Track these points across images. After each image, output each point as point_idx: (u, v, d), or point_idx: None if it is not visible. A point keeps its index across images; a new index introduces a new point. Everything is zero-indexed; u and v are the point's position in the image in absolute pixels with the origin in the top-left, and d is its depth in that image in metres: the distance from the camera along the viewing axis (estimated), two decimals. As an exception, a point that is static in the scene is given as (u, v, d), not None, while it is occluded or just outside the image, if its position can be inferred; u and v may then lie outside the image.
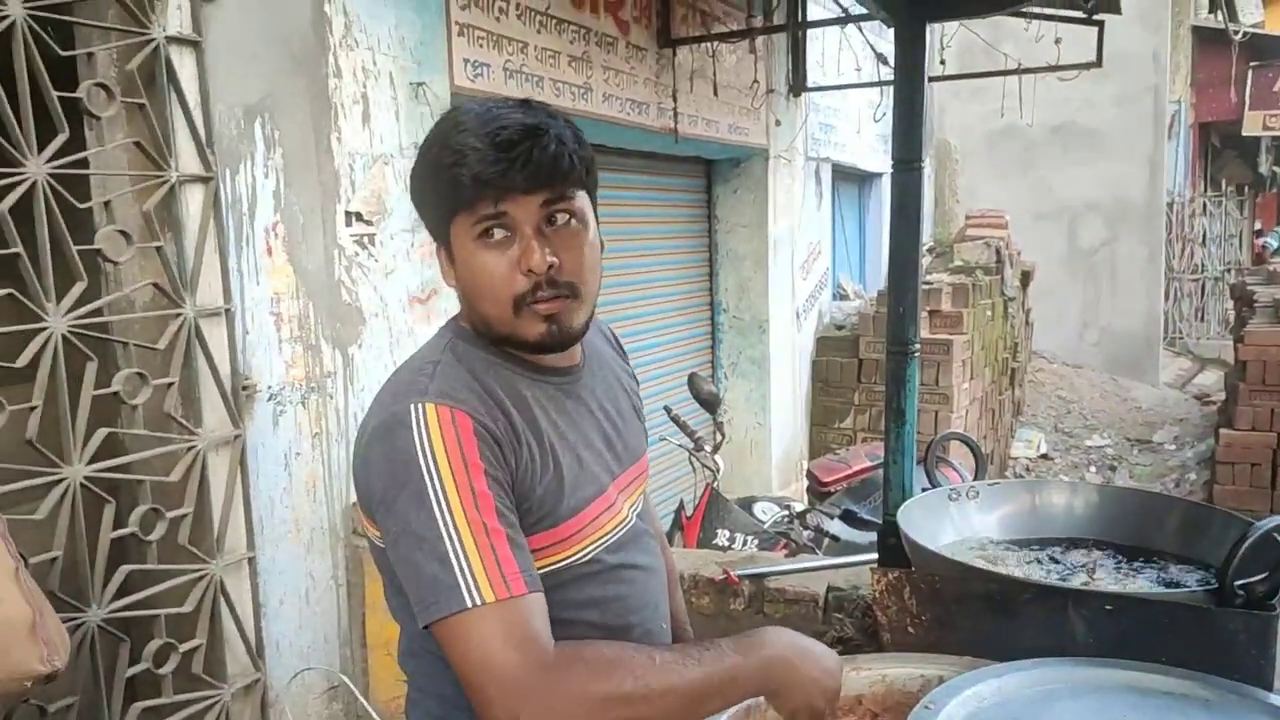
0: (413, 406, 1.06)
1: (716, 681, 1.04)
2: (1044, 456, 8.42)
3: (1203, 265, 12.42)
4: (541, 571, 1.09)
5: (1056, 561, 1.54)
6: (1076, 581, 1.44)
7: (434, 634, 1.02)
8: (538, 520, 1.11)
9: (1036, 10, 4.63)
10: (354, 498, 2.84)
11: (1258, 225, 14.48)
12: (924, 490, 1.84)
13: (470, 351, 1.15)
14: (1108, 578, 1.46)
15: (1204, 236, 12.41)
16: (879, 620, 1.47)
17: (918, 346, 1.82)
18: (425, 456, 1.03)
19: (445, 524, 1.01)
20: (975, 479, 1.82)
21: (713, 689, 1.03)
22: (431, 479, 1.02)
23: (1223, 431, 6.56)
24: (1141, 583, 1.45)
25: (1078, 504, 1.69)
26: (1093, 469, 8.12)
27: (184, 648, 2.39)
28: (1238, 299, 7.90)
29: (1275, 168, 15.18)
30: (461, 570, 1.00)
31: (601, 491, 1.20)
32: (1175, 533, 1.58)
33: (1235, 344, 6.81)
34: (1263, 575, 1.26)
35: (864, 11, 4.91)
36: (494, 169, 1.05)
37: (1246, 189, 14.39)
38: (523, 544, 1.06)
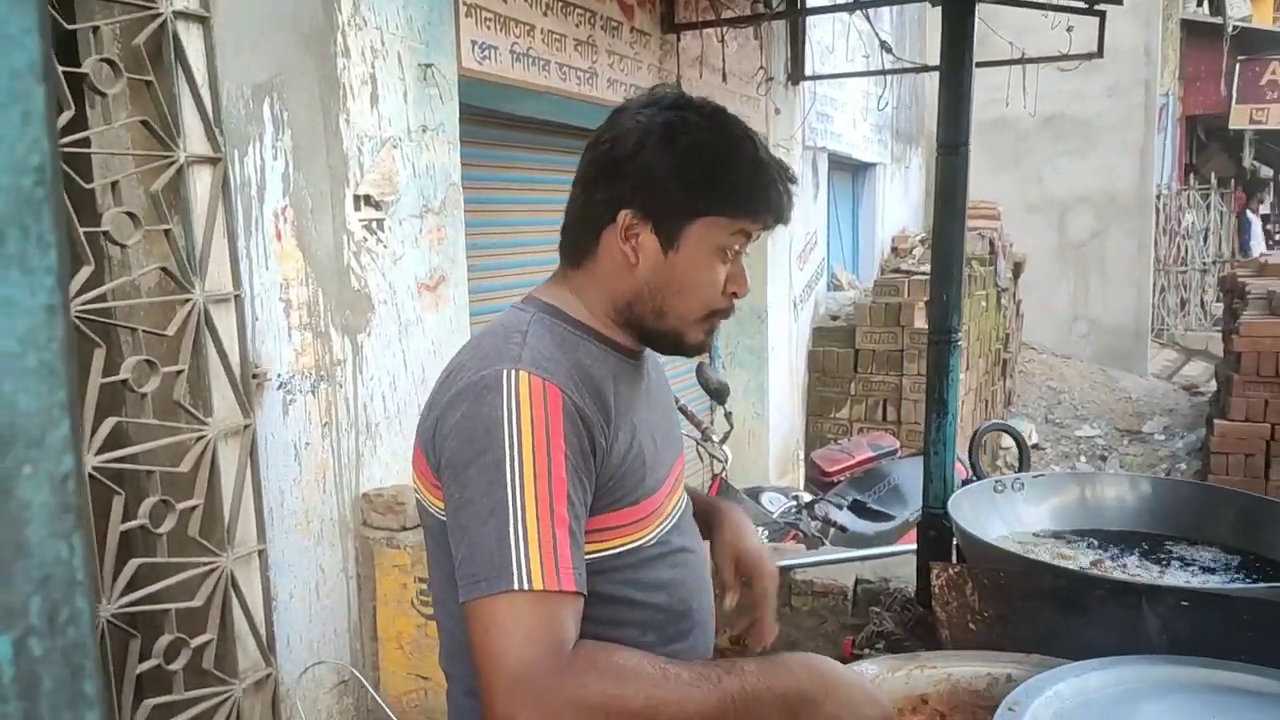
0: (506, 372, 1.02)
1: (731, 708, 0.97)
2: (1035, 446, 8.44)
3: (1188, 258, 12.50)
4: (619, 551, 1.10)
5: (1119, 555, 1.50)
6: (1148, 577, 1.40)
7: (466, 610, 0.98)
8: (621, 497, 1.09)
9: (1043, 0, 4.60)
10: (364, 489, 2.80)
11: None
12: (964, 482, 1.80)
13: (555, 325, 1.13)
14: (1179, 572, 1.42)
15: (1190, 229, 12.48)
16: (938, 616, 1.42)
17: (960, 336, 1.77)
18: (511, 426, 0.99)
19: (514, 500, 0.98)
20: (1020, 470, 1.78)
21: (718, 714, 0.97)
22: (511, 451, 0.99)
23: (1217, 422, 6.58)
24: (1211, 579, 1.42)
25: (1130, 496, 1.65)
26: (1083, 459, 8.16)
27: (195, 643, 2.32)
28: (1228, 291, 7.94)
29: (1256, 162, 15.29)
30: (517, 551, 0.96)
31: (669, 474, 1.21)
32: (1233, 525, 1.55)
33: (1230, 335, 6.83)
34: (1343, 570, 1.22)
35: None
36: (783, 211, 1.13)
37: (1232, 182, 14.49)
38: (581, 540, 1.03)
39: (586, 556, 1.04)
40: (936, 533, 1.79)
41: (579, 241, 1.17)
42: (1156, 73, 10.08)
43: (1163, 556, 1.51)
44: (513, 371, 1.02)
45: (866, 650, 1.74)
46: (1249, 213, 14.56)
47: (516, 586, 0.95)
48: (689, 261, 1.11)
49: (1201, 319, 12.54)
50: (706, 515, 1.40)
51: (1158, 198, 11.06)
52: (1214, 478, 6.52)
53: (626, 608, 1.12)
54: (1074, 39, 5.12)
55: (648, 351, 1.26)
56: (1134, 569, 1.44)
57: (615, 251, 1.13)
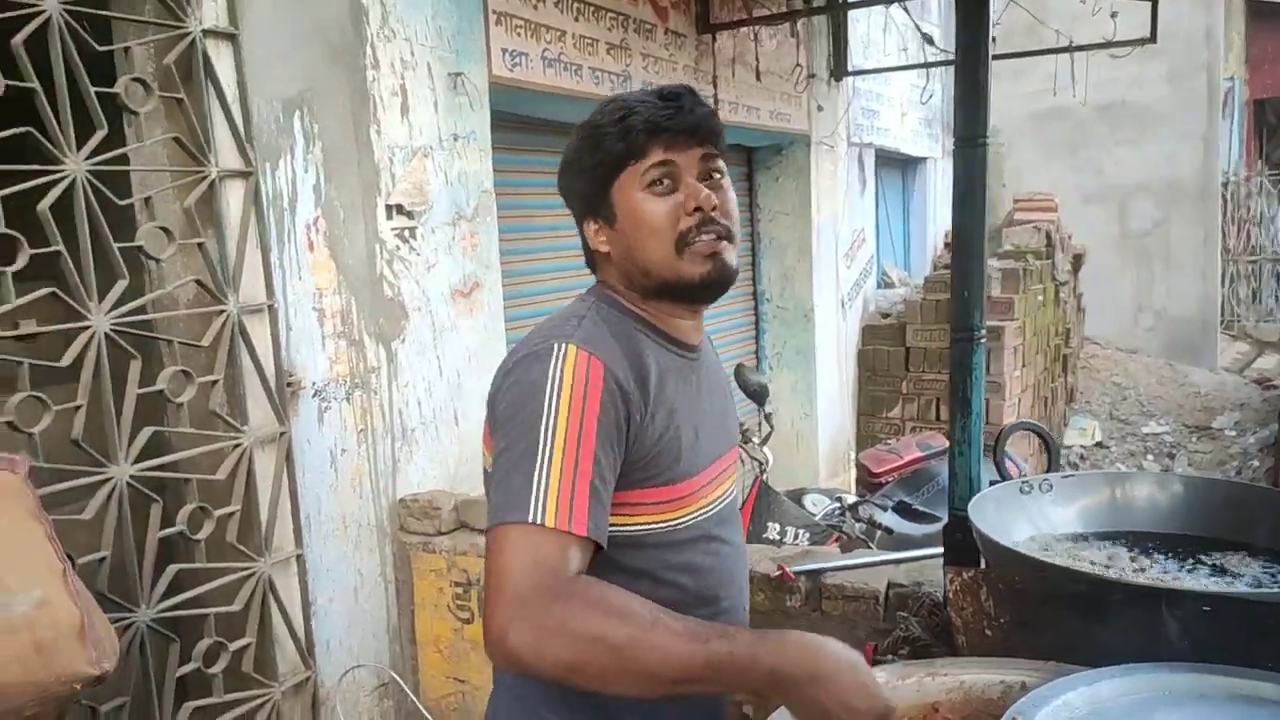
0: (556, 344, 1.14)
1: (712, 668, 1.00)
2: (1099, 444, 8.21)
3: (1260, 246, 12.05)
4: (649, 529, 1.19)
5: (1145, 557, 1.45)
6: (1174, 582, 1.35)
7: (486, 539, 1.08)
8: (654, 475, 1.17)
9: (1090, -16, 4.47)
10: (401, 494, 2.83)
11: None
12: (991, 483, 1.75)
13: (613, 314, 1.23)
14: (1203, 576, 1.36)
15: (1261, 217, 12.03)
16: (953, 622, 1.39)
17: (984, 332, 1.73)
18: (552, 389, 1.11)
19: (544, 448, 1.08)
20: (1049, 470, 1.73)
21: (701, 672, 1.00)
22: (549, 408, 1.10)
23: (1287, 417, 6.33)
24: (1240, 583, 1.36)
25: (1161, 496, 1.59)
26: (1150, 457, 7.91)
27: (234, 646, 2.37)
28: (1300, 280, 7.64)
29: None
30: (538, 489, 1.06)
31: (710, 463, 1.27)
32: (1271, 527, 1.48)
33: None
34: (1378, 573, 1.16)
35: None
36: (664, 114, 1.18)
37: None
38: (604, 499, 1.11)
39: (617, 529, 1.14)
40: (962, 535, 1.75)
41: (588, 258, 1.33)
42: (1219, 56, 9.74)
43: (1192, 560, 1.45)
44: (563, 344, 1.14)
45: (889, 656, 1.71)
46: None
47: (530, 519, 1.05)
48: (626, 218, 1.22)
49: (1275, 310, 12.07)
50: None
51: (1224, 185, 10.69)
52: (1285, 474, 6.28)
53: (650, 584, 1.17)
54: (1129, 24, 4.97)
55: (706, 351, 1.36)
56: (1157, 572, 1.38)
57: (601, 254, 1.28)
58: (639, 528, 1.19)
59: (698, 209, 1.19)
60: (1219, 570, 1.40)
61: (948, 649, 1.69)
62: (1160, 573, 1.38)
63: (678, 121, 1.18)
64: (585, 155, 1.24)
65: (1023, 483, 1.65)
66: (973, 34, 1.67)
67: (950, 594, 1.38)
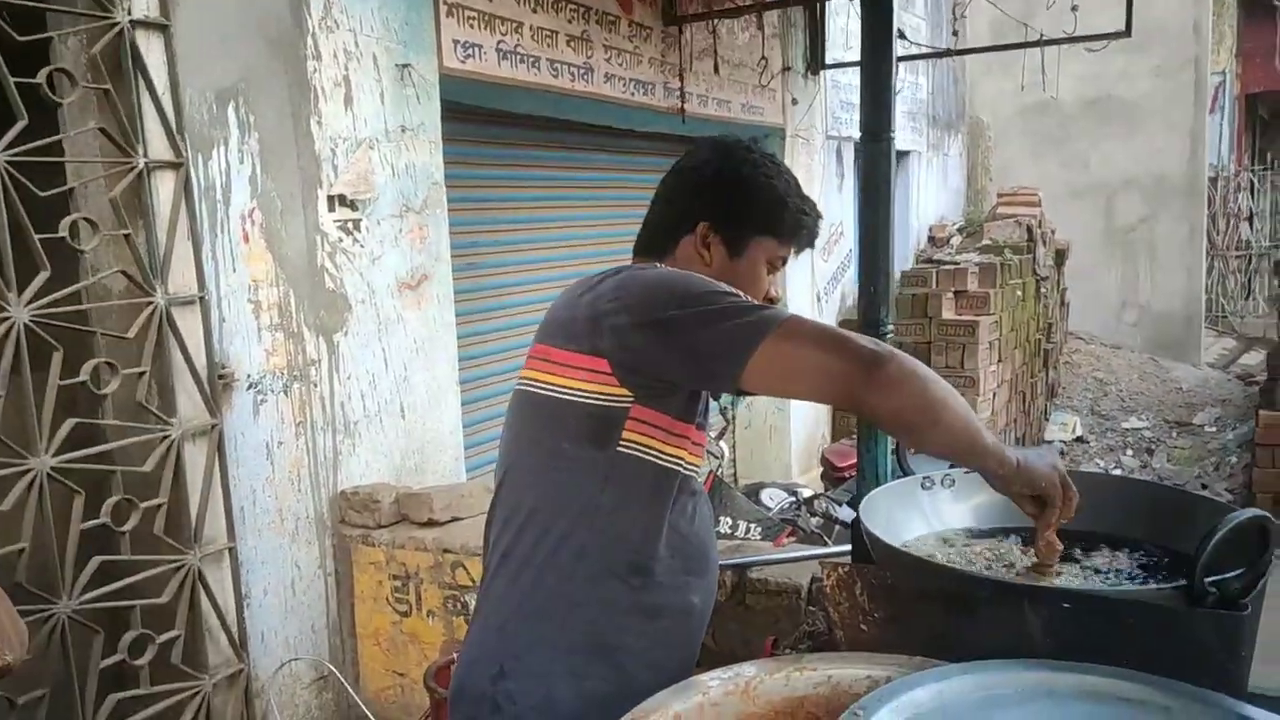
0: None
1: (985, 446, 1.23)
2: (1079, 439, 8.21)
3: (1249, 241, 12.02)
4: (680, 464, 1.34)
5: (1031, 555, 1.44)
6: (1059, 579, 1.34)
7: (765, 357, 1.18)
8: (699, 412, 1.35)
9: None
10: (341, 487, 2.82)
11: None
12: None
13: None
14: (1084, 573, 1.35)
15: (1249, 212, 12.00)
16: (830, 617, 1.38)
17: (890, 327, 1.72)
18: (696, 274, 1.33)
19: (734, 292, 1.26)
20: (952, 466, 1.72)
21: (981, 448, 1.23)
22: (708, 278, 1.30)
23: (1262, 413, 6.32)
24: (1113, 577, 1.35)
25: (1056, 492, 1.58)
26: (1129, 452, 7.90)
27: (161, 638, 2.37)
28: (1281, 276, 7.62)
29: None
30: (764, 307, 1.25)
31: (704, 431, 1.42)
32: (1158, 521, 1.47)
33: (1278, 322, 6.56)
34: (1237, 571, 1.15)
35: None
36: (813, 239, 1.48)
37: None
38: None
39: (662, 453, 1.31)
40: (868, 530, 1.74)
41: (658, 241, 1.45)
42: (1207, 50, 9.70)
43: (1079, 555, 1.44)
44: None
45: (788, 650, 1.70)
46: None
47: (790, 315, 1.22)
48: (748, 267, 1.42)
49: (1262, 306, 12.05)
50: None
51: (1213, 180, 10.66)
52: (1259, 471, 6.27)
53: (660, 517, 1.34)
54: (1111, 18, 4.94)
55: None
56: (1025, 569, 1.37)
57: (690, 252, 1.42)
58: (676, 460, 1.33)
59: (770, 298, 1.45)
60: (1100, 567, 1.39)
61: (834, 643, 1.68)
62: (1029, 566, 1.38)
63: (811, 245, 1.49)
64: (759, 200, 1.41)
65: (924, 478, 1.64)
66: (876, 38, 1.66)
67: (827, 589, 1.37)
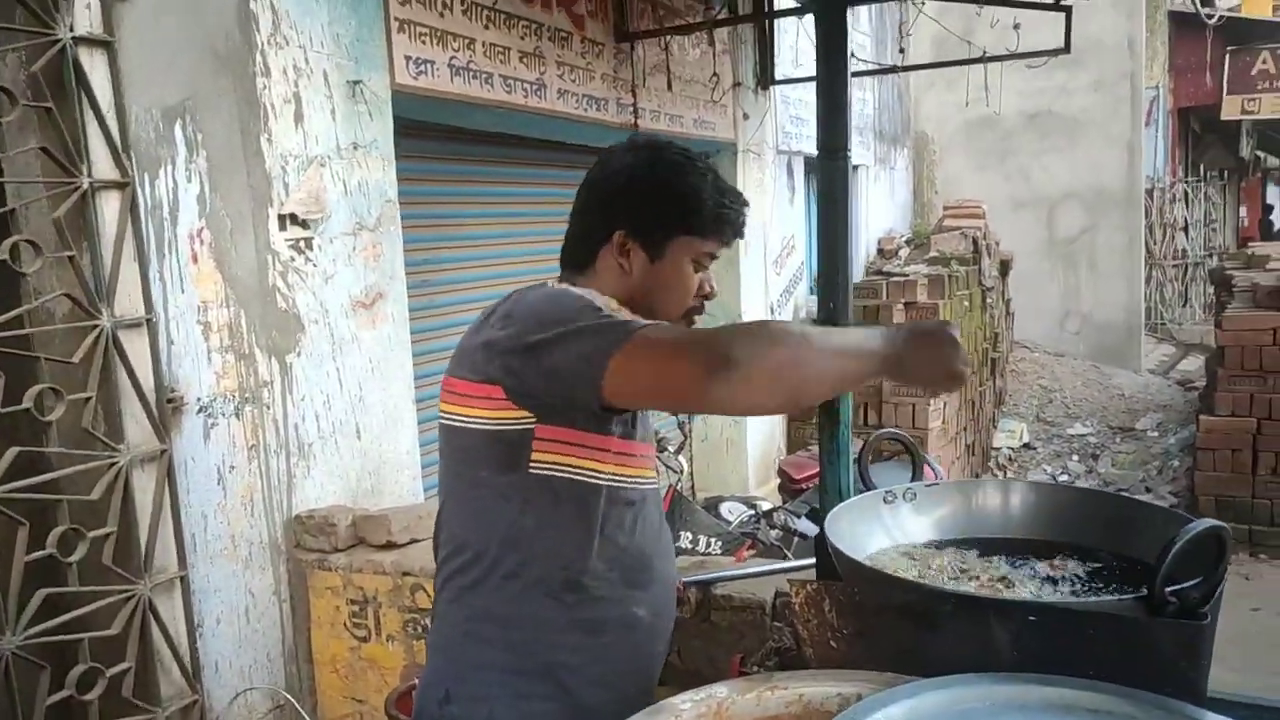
0: (569, 287, 1.34)
1: (854, 345, 1.21)
2: (1026, 446, 8.37)
3: (1184, 250, 12.38)
4: (604, 477, 1.31)
5: (993, 566, 1.46)
6: (1017, 590, 1.36)
7: (620, 365, 1.15)
8: (620, 424, 1.32)
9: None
10: (296, 511, 2.77)
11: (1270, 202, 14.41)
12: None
13: None
14: (1033, 584, 1.37)
15: (1185, 222, 12.37)
16: (799, 634, 1.38)
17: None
18: (582, 293, 1.30)
19: (608, 310, 1.25)
20: (913, 479, 1.74)
21: (858, 368, 1.20)
22: (590, 297, 1.27)
23: (1203, 418, 6.51)
24: (1076, 589, 1.37)
25: (1014, 503, 1.60)
26: (1075, 458, 8.07)
27: (111, 672, 2.30)
28: (1218, 284, 7.85)
29: (1258, 152, 15.16)
30: (628, 319, 1.22)
31: (647, 442, 1.43)
32: (1115, 531, 1.50)
33: (1215, 329, 6.76)
34: (1196, 580, 1.18)
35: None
36: (739, 227, 1.43)
37: (1228, 174, 14.36)
38: None
39: (578, 469, 1.30)
40: (832, 545, 1.75)
41: (578, 255, 1.43)
42: (1142, 65, 10.01)
43: (1038, 566, 1.46)
44: (566, 283, 1.38)
45: (756, 668, 1.70)
46: None
47: (640, 326, 1.19)
48: (671, 269, 1.39)
49: (1198, 313, 12.42)
50: None
51: (1149, 192, 10.97)
52: (1200, 474, 6.45)
53: (589, 535, 1.32)
54: (1050, 35, 5.07)
55: None
56: (998, 579, 1.39)
57: (610, 262, 1.40)
58: (595, 474, 1.31)
59: (706, 297, 1.44)
60: (1059, 578, 1.41)
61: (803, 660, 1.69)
62: (1004, 580, 1.39)
63: (740, 234, 1.44)
64: (670, 198, 1.37)
65: (886, 492, 1.66)
66: (832, 52, 1.68)
67: (796, 606, 1.37)
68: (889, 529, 1.61)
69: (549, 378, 1.22)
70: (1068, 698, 1.14)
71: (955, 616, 1.25)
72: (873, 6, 8.12)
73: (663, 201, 1.38)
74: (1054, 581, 1.44)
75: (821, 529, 1.65)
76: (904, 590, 1.29)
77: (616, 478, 1.34)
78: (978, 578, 1.44)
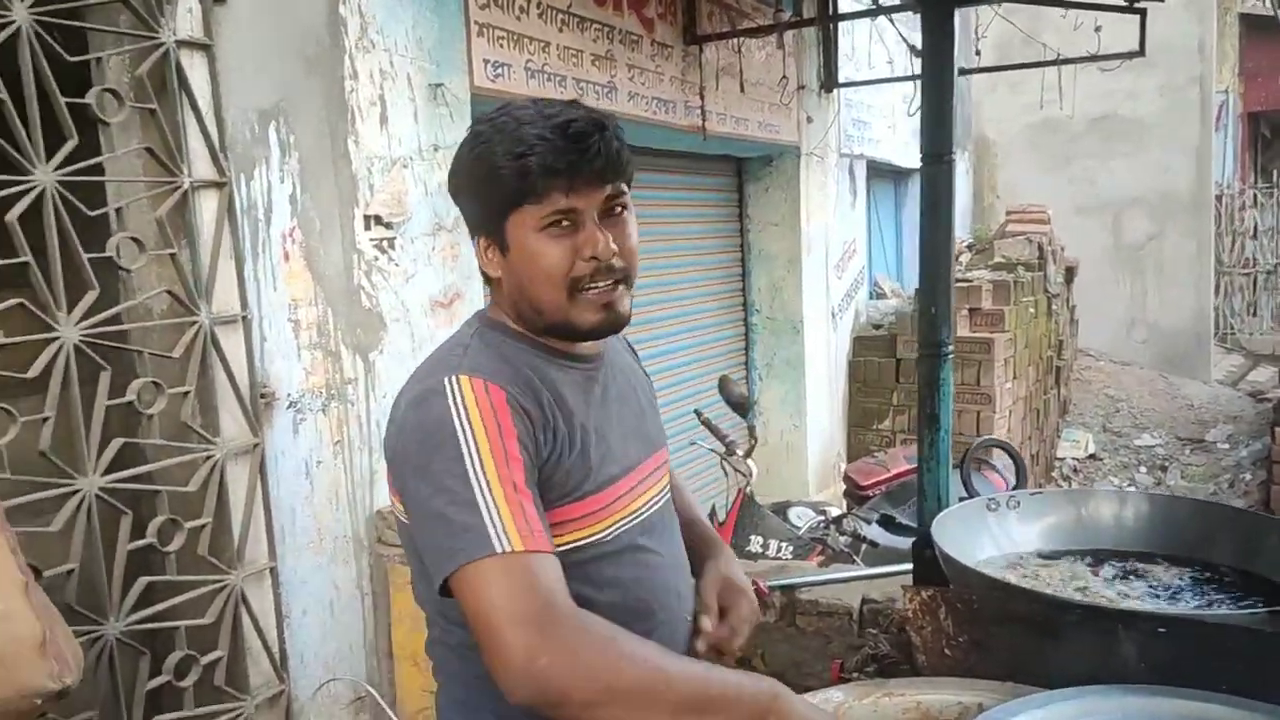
0: (447, 379, 1.10)
1: (717, 693, 1.02)
2: (1092, 457, 8.19)
3: (1254, 258, 12.05)
4: (569, 546, 1.14)
5: (1108, 576, 1.44)
6: (1132, 602, 1.33)
7: (454, 585, 1.03)
8: (567, 494, 1.15)
9: (1076, -2, 4.47)
10: (379, 506, 2.81)
11: None
12: (961, 499, 1.74)
13: (498, 338, 1.20)
14: (1162, 596, 1.35)
15: (1255, 229, 12.04)
16: (913, 641, 1.37)
17: (951, 348, 1.72)
18: (460, 420, 1.07)
19: (478, 479, 1.04)
20: (1016, 487, 1.72)
21: (715, 698, 1.02)
22: (466, 440, 1.06)
23: (1277, 430, 6.32)
24: (1197, 602, 1.34)
25: (1128, 514, 1.58)
26: (1143, 469, 7.89)
27: (205, 660, 2.35)
28: (1292, 292, 7.63)
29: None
30: (492, 519, 1.03)
31: (626, 473, 1.24)
32: (1235, 545, 1.47)
33: (1290, 339, 6.57)
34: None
35: (895, 2, 4.79)
36: (567, 159, 1.10)
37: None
38: (543, 513, 1.10)
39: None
40: (931, 553, 1.73)
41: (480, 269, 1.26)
42: (1212, 69, 9.76)
43: (1153, 578, 1.43)
44: (454, 378, 1.10)
45: (855, 675, 1.69)
46: None
47: (499, 550, 1.01)
48: (522, 253, 1.16)
49: (1269, 322, 12.08)
50: (700, 548, 1.43)
51: (1218, 198, 10.70)
52: (1276, 487, 6.27)
53: (582, 605, 1.11)
54: (1121, 38, 4.97)
55: (611, 358, 1.31)
56: (1112, 592, 1.37)
57: (489, 272, 1.23)
58: (564, 547, 1.14)
59: (594, 257, 1.14)
60: (1176, 590, 1.38)
61: (913, 668, 1.67)
62: (1118, 593, 1.37)
63: (584, 167, 1.11)
64: (478, 180, 1.16)
65: (990, 499, 1.64)
66: (937, 49, 1.67)
67: (909, 613, 1.36)
68: (995, 537, 1.59)
69: (416, 534, 1.12)
70: (1200, 711, 1.12)
71: (1080, 627, 1.23)
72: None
73: (475, 191, 1.18)
74: (1173, 594, 1.41)
75: (926, 536, 1.64)
76: (1028, 599, 1.28)
77: (584, 540, 1.18)
78: (1086, 588, 1.42)
